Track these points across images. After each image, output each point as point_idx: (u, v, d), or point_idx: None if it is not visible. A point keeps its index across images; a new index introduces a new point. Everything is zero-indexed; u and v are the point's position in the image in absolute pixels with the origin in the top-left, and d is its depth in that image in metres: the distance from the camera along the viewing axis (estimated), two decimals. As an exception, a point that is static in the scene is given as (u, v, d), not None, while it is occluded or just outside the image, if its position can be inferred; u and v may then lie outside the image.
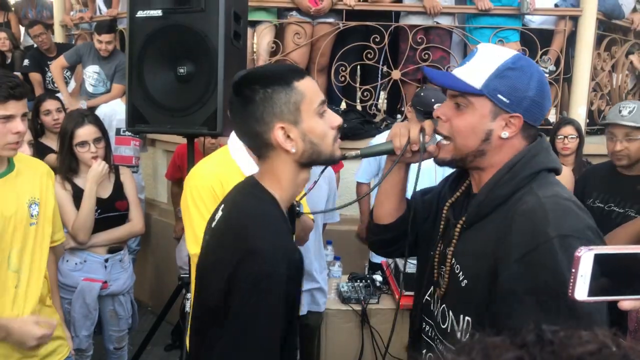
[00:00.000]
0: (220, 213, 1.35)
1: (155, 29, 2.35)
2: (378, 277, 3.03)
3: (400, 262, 2.75)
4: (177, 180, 3.82)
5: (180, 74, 2.35)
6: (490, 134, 1.26)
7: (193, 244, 1.95)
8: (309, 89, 1.24)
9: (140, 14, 2.36)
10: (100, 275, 2.80)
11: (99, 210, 2.75)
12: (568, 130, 3.36)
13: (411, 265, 2.66)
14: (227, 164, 2.03)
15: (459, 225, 1.33)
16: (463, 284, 1.28)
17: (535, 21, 4.51)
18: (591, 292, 0.75)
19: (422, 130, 1.36)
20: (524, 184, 1.24)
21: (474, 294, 1.24)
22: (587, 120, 4.50)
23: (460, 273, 1.30)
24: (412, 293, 2.56)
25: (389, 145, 1.41)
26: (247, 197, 1.31)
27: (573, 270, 0.75)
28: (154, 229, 4.57)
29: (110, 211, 2.81)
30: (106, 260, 2.82)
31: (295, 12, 4.28)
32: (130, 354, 3.19)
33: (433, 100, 2.92)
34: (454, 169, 1.47)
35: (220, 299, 1.18)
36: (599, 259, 0.75)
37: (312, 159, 1.27)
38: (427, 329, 1.45)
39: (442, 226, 1.43)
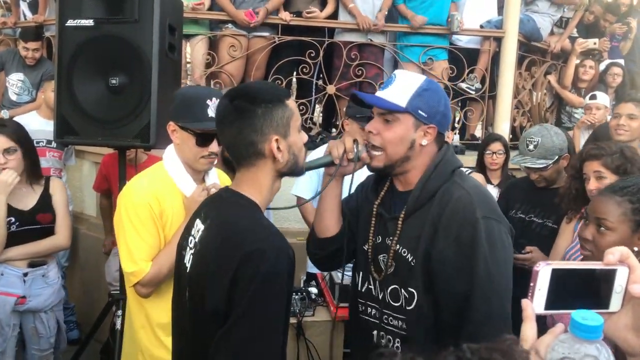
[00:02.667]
0: (200, 226, 1.43)
1: (86, 39, 2.29)
2: (313, 290, 3.05)
3: (335, 273, 2.79)
4: (105, 192, 3.71)
5: (112, 84, 2.30)
6: (414, 142, 1.58)
7: (129, 262, 1.91)
8: (295, 107, 1.44)
9: (71, 22, 2.30)
10: (18, 290, 2.66)
11: (17, 223, 2.62)
12: (497, 146, 3.55)
13: (346, 277, 2.72)
14: (163, 180, 1.99)
15: (400, 218, 1.60)
16: (413, 263, 1.57)
17: (462, 40, 4.73)
18: (547, 306, 0.79)
19: (355, 141, 1.61)
20: (448, 178, 1.58)
21: (420, 269, 1.54)
22: (511, 136, 4.76)
23: (408, 255, 1.58)
24: (346, 305, 2.63)
25: (327, 157, 1.63)
26: (233, 205, 1.40)
27: (532, 284, 0.79)
28: (82, 244, 4.39)
29: (31, 224, 2.68)
30: (25, 275, 2.68)
31: (230, 25, 4.28)
32: (56, 375, 3.04)
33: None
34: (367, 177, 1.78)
35: (222, 303, 1.25)
36: (556, 274, 0.78)
37: (291, 169, 1.44)
38: (372, 312, 1.70)
39: (373, 222, 1.70)
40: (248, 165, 1.40)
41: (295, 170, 1.46)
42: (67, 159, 4.22)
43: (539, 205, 2.77)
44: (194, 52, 4.31)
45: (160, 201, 1.94)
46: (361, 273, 1.75)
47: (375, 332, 1.68)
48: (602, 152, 2.31)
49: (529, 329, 0.76)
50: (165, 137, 2.08)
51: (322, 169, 1.72)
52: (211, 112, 1.94)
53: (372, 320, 1.69)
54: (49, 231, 2.75)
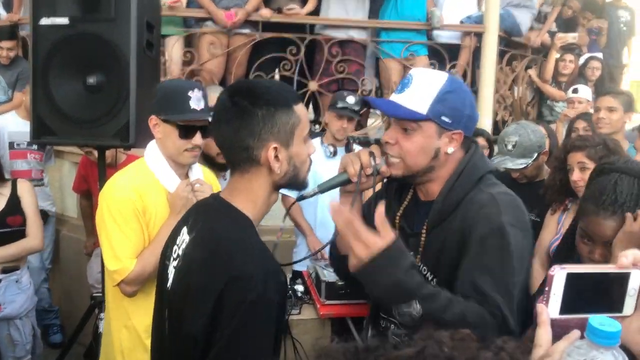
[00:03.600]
0: (185, 236, 1.29)
1: (62, 37, 2.25)
2: (299, 287, 3.03)
3: (321, 271, 2.78)
4: (84, 192, 3.65)
5: (90, 84, 2.26)
6: (438, 151, 1.41)
7: (111, 259, 1.87)
8: (304, 115, 1.27)
9: (45, 21, 2.25)
10: (-9, 297, 2.61)
11: None
12: (479, 141, 3.55)
13: (332, 275, 2.71)
14: (146, 176, 1.96)
15: (423, 234, 1.46)
16: (433, 283, 1.40)
17: (443, 36, 4.74)
18: (562, 310, 0.77)
19: (371, 153, 1.44)
20: (472, 187, 1.42)
21: (443, 285, 1.36)
22: (493, 130, 4.78)
23: (429, 274, 1.44)
24: (332, 302, 2.62)
25: (343, 175, 1.46)
26: (222, 220, 1.25)
27: (546, 288, 0.77)
28: (63, 245, 4.32)
29: (1, 227, 2.63)
30: (-2, 281, 2.63)
31: (210, 22, 4.23)
32: (36, 381, 2.98)
33: (345, 94, 3.21)
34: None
35: (201, 329, 1.13)
36: (570, 278, 0.77)
37: (290, 182, 1.28)
38: (391, 327, 1.56)
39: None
40: (241, 171, 1.25)
41: (295, 183, 1.30)
42: (47, 160, 4.15)
43: (521, 199, 2.78)
44: (171, 52, 4.25)
45: (143, 197, 1.91)
46: None
47: (370, 339, 1.61)
48: (586, 143, 2.33)
49: (544, 334, 0.74)
50: (145, 136, 2.05)
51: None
52: (193, 104, 1.91)
53: (392, 336, 1.57)
54: (19, 234, 2.70)
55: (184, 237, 1.30)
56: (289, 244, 3.45)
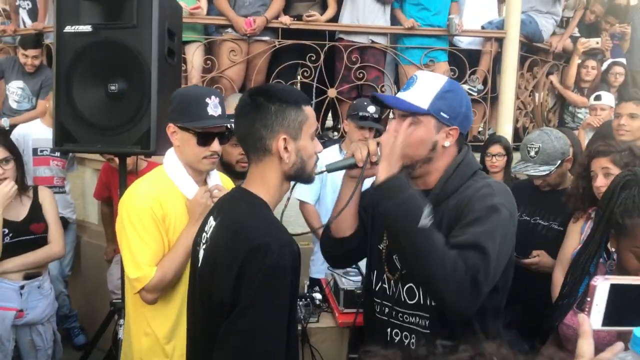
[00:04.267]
0: (212, 222, 1.48)
1: (85, 45, 2.27)
2: (317, 295, 3.02)
3: (339, 279, 2.76)
4: (105, 199, 3.68)
5: (112, 91, 2.28)
6: (436, 144, 1.58)
7: (132, 267, 1.88)
8: (312, 115, 1.47)
9: (69, 29, 2.28)
10: (15, 304, 2.63)
11: (10, 234, 2.60)
12: (496, 148, 3.50)
13: (350, 282, 2.69)
14: (164, 183, 1.97)
15: None
16: None
17: (463, 42, 4.71)
18: (605, 322, 0.76)
19: (378, 144, 1.59)
20: (467, 180, 1.59)
21: None
22: (513, 137, 4.72)
23: None
24: (351, 310, 2.60)
25: (351, 159, 1.62)
26: (242, 204, 1.45)
27: (588, 299, 0.76)
28: (84, 252, 4.37)
29: (25, 234, 2.67)
30: (22, 287, 2.66)
31: (230, 29, 4.26)
32: (57, 386, 3.00)
33: (365, 103, 3.19)
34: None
35: (228, 295, 1.30)
36: (614, 289, 0.75)
37: (297, 174, 1.46)
38: (385, 310, 1.71)
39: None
40: (257, 160, 1.44)
41: (302, 175, 1.48)
42: (69, 167, 4.21)
43: (544, 207, 2.73)
44: (191, 58, 4.29)
45: (163, 205, 1.92)
46: (376, 272, 1.75)
47: (388, 330, 1.69)
48: (610, 149, 2.28)
49: (586, 345, 0.73)
50: (166, 143, 2.06)
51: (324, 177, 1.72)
52: (211, 111, 1.93)
53: (386, 318, 1.70)
54: (42, 241, 2.73)
55: (211, 224, 1.49)
56: (307, 251, 3.44)
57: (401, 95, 1.61)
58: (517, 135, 4.87)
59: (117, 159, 3.26)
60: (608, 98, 4.22)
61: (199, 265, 1.47)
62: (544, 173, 2.66)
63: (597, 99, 4.23)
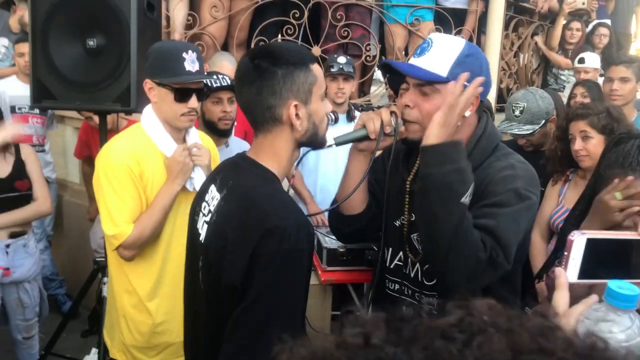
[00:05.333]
0: (215, 193, 1.36)
1: (60, -1, 2.19)
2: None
3: (322, 237, 2.79)
4: (86, 158, 3.64)
5: (90, 46, 2.22)
6: None
7: (109, 224, 1.88)
8: (320, 74, 1.33)
9: (43, -19, 2.20)
10: (1, 262, 2.63)
11: None
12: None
13: (333, 241, 2.72)
14: (142, 140, 1.95)
15: None
16: None
17: (449, 0, 4.64)
18: (581, 275, 0.78)
19: (392, 113, 1.47)
20: (489, 156, 1.49)
21: None
22: (497, 98, 4.73)
23: None
24: (333, 268, 2.64)
25: (362, 131, 1.49)
26: (252, 176, 1.33)
27: (565, 253, 0.77)
28: (66, 211, 4.34)
29: (10, 192, 2.64)
30: (7, 246, 2.65)
31: (212, -16, 4.14)
32: (42, 342, 3.03)
33: (335, 56, 3.30)
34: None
35: (239, 278, 1.21)
36: (590, 243, 0.77)
37: (311, 140, 1.35)
38: (401, 289, 1.64)
39: (407, 199, 1.59)
40: (265, 131, 1.32)
41: (316, 141, 1.36)
42: (49, 125, 4.13)
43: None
44: (173, 12, 4.17)
45: (140, 162, 1.90)
46: (391, 249, 1.67)
47: (404, 309, 1.62)
48: (588, 111, 2.30)
49: (561, 297, 0.75)
50: (146, 100, 2.03)
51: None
52: (188, 66, 1.88)
53: (401, 297, 1.64)
54: (26, 198, 2.70)
55: (214, 194, 1.37)
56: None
57: (415, 61, 1.46)
58: (501, 96, 4.88)
59: (96, 118, 3.22)
60: (592, 60, 4.23)
61: (201, 239, 1.37)
62: (527, 132, 2.68)
63: (580, 62, 4.24)
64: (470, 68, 1.42)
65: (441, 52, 1.43)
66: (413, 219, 1.58)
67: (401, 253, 1.64)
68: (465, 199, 1.34)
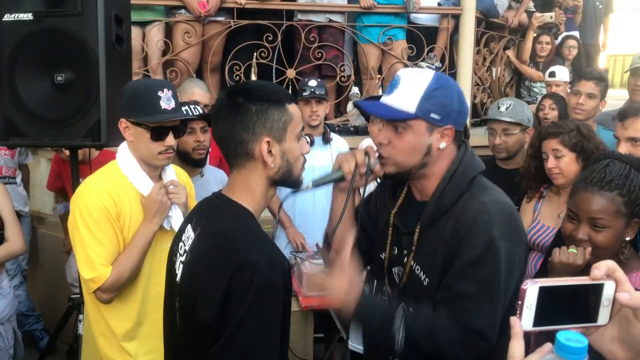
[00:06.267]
0: (190, 232, 1.37)
1: (26, 34, 2.18)
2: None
3: (302, 263, 2.77)
4: (59, 190, 3.58)
5: (58, 81, 2.20)
6: (430, 147, 1.45)
7: (86, 268, 1.84)
8: (297, 114, 1.34)
9: (8, 17, 2.18)
10: (-28, 304, 2.56)
11: None
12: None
13: (313, 266, 2.70)
14: (118, 180, 1.92)
15: (416, 233, 1.51)
16: (425, 283, 1.48)
17: (420, 19, 4.71)
18: (536, 322, 0.78)
19: (366, 154, 1.50)
20: (465, 190, 1.46)
21: (432, 289, 1.46)
22: (472, 113, 4.79)
23: (422, 273, 1.50)
24: (315, 294, 2.62)
25: (338, 172, 1.53)
26: (224, 213, 1.33)
27: (519, 302, 0.77)
28: (42, 244, 4.26)
29: None
30: (-21, 287, 2.58)
31: (183, 10, 4.15)
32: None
33: (306, 80, 3.30)
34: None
35: (213, 316, 1.20)
36: (543, 291, 0.77)
37: (284, 178, 1.35)
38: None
39: (390, 233, 1.61)
40: (239, 167, 1.33)
41: (289, 180, 1.36)
42: (23, 157, 4.05)
43: (500, 187, 2.78)
44: (148, 39, 4.17)
45: (116, 202, 1.87)
46: (375, 282, 1.69)
47: None
48: (559, 130, 2.33)
49: (516, 347, 0.75)
50: (117, 134, 2.01)
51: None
52: (164, 104, 1.87)
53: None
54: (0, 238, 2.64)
55: (189, 234, 1.37)
56: (268, 234, 3.44)
57: (385, 99, 1.48)
58: (475, 111, 4.94)
59: (66, 151, 3.18)
60: (562, 73, 4.31)
61: (178, 279, 1.36)
62: (510, 119, 2.73)
63: (551, 76, 4.31)
64: (439, 101, 1.42)
65: (409, 88, 1.44)
66: (395, 253, 1.60)
67: (384, 287, 1.65)
68: (397, 334, 1.37)
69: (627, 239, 1.50)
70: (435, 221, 1.47)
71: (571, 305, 0.79)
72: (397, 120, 1.44)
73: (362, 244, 1.68)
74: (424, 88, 1.42)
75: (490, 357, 1.39)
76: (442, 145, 1.45)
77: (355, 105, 1.61)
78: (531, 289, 0.76)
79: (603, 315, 0.80)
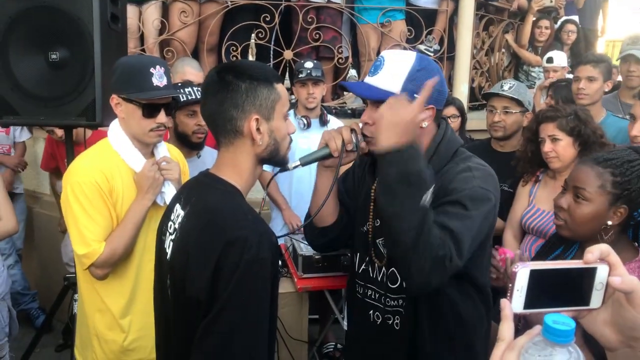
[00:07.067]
0: (179, 211, 1.39)
1: (19, 11, 2.13)
2: (277, 260, 3.04)
3: (297, 244, 2.78)
4: (53, 170, 3.58)
5: (53, 60, 2.16)
6: None
7: (80, 244, 1.84)
8: (284, 93, 1.37)
9: (0, -7, 2.14)
10: (-34, 283, 2.55)
11: None
12: (450, 110, 3.51)
13: (309, 248, 2.71)
14: (110, 156, 1.92)
15: None
16: None
17: (420, 0, 4.66)
18: (527, 305, 0.78)
19: (352, 130, 1.54)
20: (447, 162, 1.55)
21: None
22: (470, 97, 4.77)
23: None
24: (309, 275, 2.64)
25: (325, 150, 1.55)
26: (213, 191, 1.35)
27: (510, 285, 0.78)
28: (37, 223, 4.25)
29: None
30: (-28, 265, 2.57)
31: (180, -11, 4.10)
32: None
33: (302, 61, 3.28)
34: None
35: (203, 291, 1.22)
36: (534, 274, 0.77)
37: (271, 156, 1.37)
38: (368, 293, 1.70)
39: (372, 206, 1.66)
40: (227, 144, 1.35)
41: (277, 157, 1.39)
42: (20, 134, 4.01)
43: (496, 169, 2.79)
44: (145, 18, 4.12)
45: (109, 178, 1.87)
46: (358, 254, 1.73)
47: (371, 312, 1.69)
48: (557, 114, 2.33)
49: (506, 329, 0.76)
50: (113, 114, 1.99)
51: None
52: (156, 81, 1.86)
53: (369, 301, 1.70)
54: None
55: (179, 212, 1.39)
56: (265, 216, 3.44)
57: (369, 80, 1.53)
58: (473, 95, 4.93)
59: (58, 131, 3.15)
60: (559, 58, 4.29)
61: (168, 257, 1.38)
62: (512, 95, 2.77)
63: (549, 62, 4.29)
64: (422, 81, 1.45)
65: (393, 69, 1.49)
66: (378, 224, 1.65)
67: (367, 257, 1.70)
68: (425, 200, 1.36)
69: (609, 223, 1.49)
70: None
71: (563, 288, 0.79)
72: (381, 100, 1.46)
73: (343, 218, 1.74)
74: (408, 69, 1.48)
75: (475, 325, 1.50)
76: (425, 124, 1.51)
77: (341, 86, 1.61)
78: (522, 272, 0.77)
79: (596, 299, 0.80)
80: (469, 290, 1.60)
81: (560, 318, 0.71)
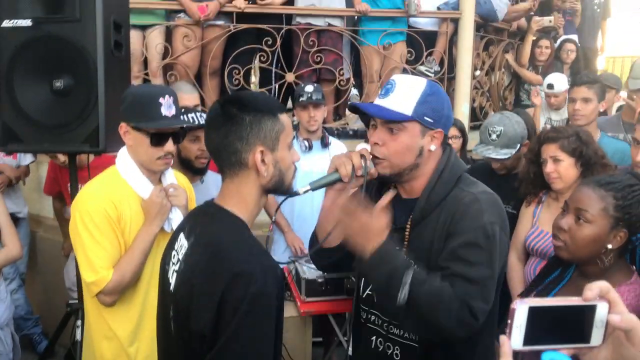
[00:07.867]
0: (183, 241, 1.38)
1: (25, 40, 2.18)
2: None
3: (300, 268, 2.77)
4: (56, 195, 3.58)
5: (57, 87, 2.20)
6: (422, 149, 1.55)
7: (88, 271, 1.84)
8: (288, 123, 1.37)
9: (7, 23, 2.18)
10: (-29, 311, 2.55)
11: None
12: (451, 131, 3.51)
13: (312, 272, 2.70)
14: (118, 184, 1.93)
15: (407, 228, 1.58)
16: None
17: (420, 22, 4.71)
18: (526, 342, 0.77)
19: (362, 156, 1.55)
20: (452, 189, 1.55)
21: None
22: (471, 117, 4.78)
23: (416, 267, 1.50)
24: (313, 299, 2.62)
25: (335, 175, 1.56)
26: (218, 223, 1.35)
27: (509, 320, 0.77)
28: (40, 247, 4.25)
29: None
30: (-23, 292, 2.57)
31: (182, 14, 4.15)
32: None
33: (303, 85, 3.29)
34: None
35: (208, 326, 1.21)
36: (533, 311, 0.77)
37: (276, 186, 1.37)
38: (371, 318, 1.70)
39: None
40: (232, 175, 1.34)
41: (282, 187, 1.39)
42: (24, 156, 4.01)
43: (498, 191, 2.78)
44: (148, 43, 4.17)
45: (117, 205, 1.88)
46: (363, 279, 1.72)
47: (374, 338, 1.68)
48: (559, 135, 2.34)
49: None
50: (116, 140, 2.01)
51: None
52: (165, 111, 1.88)
53: (372, 326, 1.69)
54: None
55: (182, 243, 1.38)
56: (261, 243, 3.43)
57: (380, 102, 1.55)
58: (474, 114, 4.94)
59: (60, 157, 3.17)
60: (560, 83, 4.29)
61: (171, 288, 1.37)
62: (505, 156, 2.72)
63: (549, 88, 4.29)
64: (433, 106, 1.53)
65: (404, 92, 1.53)
66: (404, 249, 1.62)
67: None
68: (400, 298, 1.39)
69: (609, 246, 1.49)
70: (426, 216, 1.55)
71: (563, 326, 0.78)
72: (394, 121, 1.51)
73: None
74: (420, 93, 1.52)
75: (476, 344, 1.51)
76: (433, 147, 1.55)
77: (352, 106, 1.65)
78: (520, 309, 0.76)
79: (596, 336, 0.79)
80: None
81: (557, 356, 0.70)
